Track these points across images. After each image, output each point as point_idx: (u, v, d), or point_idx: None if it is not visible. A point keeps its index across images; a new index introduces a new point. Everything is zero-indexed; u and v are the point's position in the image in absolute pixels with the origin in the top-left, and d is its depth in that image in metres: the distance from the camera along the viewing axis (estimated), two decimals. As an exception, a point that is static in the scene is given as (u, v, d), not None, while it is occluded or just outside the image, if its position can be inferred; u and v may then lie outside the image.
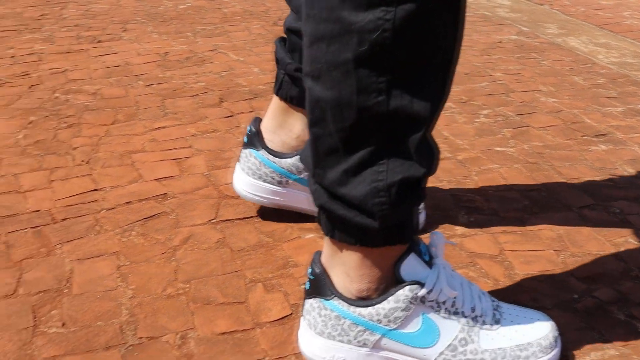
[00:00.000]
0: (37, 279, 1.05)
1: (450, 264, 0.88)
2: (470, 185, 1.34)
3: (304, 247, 1.14)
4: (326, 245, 0.85)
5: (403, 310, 0.82)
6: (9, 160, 1.42)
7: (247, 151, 1.15)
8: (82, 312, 0.98)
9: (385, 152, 0.75)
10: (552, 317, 0.97)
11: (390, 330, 0.83)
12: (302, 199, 1.16)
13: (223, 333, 0.95)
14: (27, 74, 1.90)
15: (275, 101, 1.13)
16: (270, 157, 1.13)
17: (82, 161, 1.42)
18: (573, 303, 1.02)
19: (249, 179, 1.16)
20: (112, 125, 1.59)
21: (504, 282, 1.06)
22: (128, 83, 1.85)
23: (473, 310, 0.85)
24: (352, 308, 0.83)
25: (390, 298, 0.82)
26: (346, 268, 0.83)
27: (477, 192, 1.32)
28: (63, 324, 0.96)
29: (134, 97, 1.76)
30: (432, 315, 0.83)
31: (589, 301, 1.02)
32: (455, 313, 0.84)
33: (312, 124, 0.76)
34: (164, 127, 1.59)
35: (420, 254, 0.83)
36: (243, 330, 0.95)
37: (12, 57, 2.04)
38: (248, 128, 1.15)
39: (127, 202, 1.27)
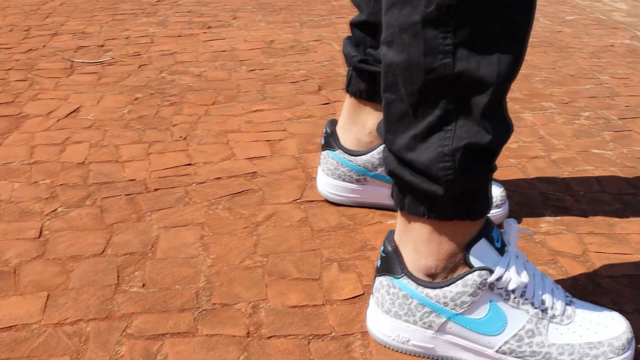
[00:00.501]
0: (125, 241, 1.10)
1: (524, 254, 0.85)
2: (561, 185, 1.30)
3: (383, 232, 1.14)
4: (399, 222, 0.85)
5: (470, 295, 0.81)
6: (113, 132, 1.49)
7: (325, 152, 1.17)
8: (162, 275, 1.02)
9: (453, 117, 0.75)
10: (631, 322, 0.92)
11: (457, 314, 0.82)
12: (381, 195, 1.16)
13: (294, 306, 0.96)
14: (138, 54, 1.99)
15: (347, 99, 1.15)
16: (346, 156, 1.14)
17: (180, 137, 1.48)
18: (661, 310, 0.97)
19: (329, 179, 1.18)
20: (212, 106, 1.64)
21: (584, 283, 1.02)
22: (232, 67, 1.91)
23: (543, 302, 0.82)
24: (420, 288, 0.83)
25: (458, 282, 0.81)
26: (416, 243, 0.82)
27: (567, 192, 1.27)
28: (143, 285, 1.00)
29: (236, 81, 1.81)
30: (501, 304, 0.81)
31: (678, 310, 0.97)
32: (525, 303, 0.82)
33: (385, 89, 0.78)
34: (261, 110, 1.62)
35: (492, 240, 0.81)
36: (313, 305, 0.96)
37: (126, 38, 2.14)
38: (324, 130, 1.17)
39: (217, 178, 1.31)
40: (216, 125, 1.53)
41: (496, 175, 1.31)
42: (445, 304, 0.82)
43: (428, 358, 0.86)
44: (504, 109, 0.77)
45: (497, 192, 1.12)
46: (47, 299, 0.97)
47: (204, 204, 1.21)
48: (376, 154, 1.13)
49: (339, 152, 1.15)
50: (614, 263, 1.07)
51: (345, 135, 1.15)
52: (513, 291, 0.82)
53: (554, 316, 0.82)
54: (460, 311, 0.82)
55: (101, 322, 0.92)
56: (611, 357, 0.81)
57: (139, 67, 1.90)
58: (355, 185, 1.16)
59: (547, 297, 0.82)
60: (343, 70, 1.89)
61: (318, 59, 1.98)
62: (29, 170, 1.33)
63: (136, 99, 1.67)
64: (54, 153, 1.39)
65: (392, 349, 0.87)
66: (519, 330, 0.82)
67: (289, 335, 0.91)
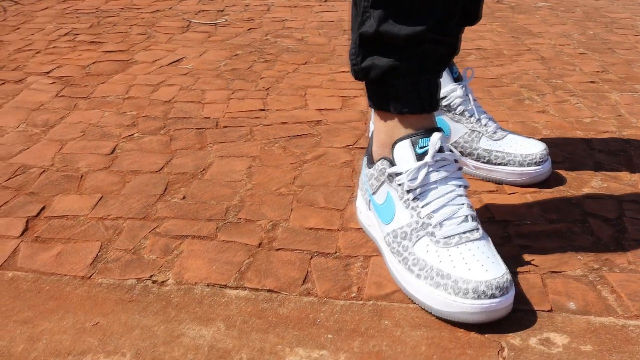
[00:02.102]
0: (181, 164, 1.21)
1: (463, 182, 0.88)
2: (621, 157, 1.25)
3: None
4: None
5: (376, 178, 0.92)
6: (204, 79, 1.61)
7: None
8: (202, 192, 1.11)
9: (366, 14, 0.86)
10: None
11: (371, 193, 0.94)
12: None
13: (310, 228, 1.01)
14: (251, 19, 2.12)
15: None
16: None
17: (263, 87, 1.57)
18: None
19: None
20: (302, 65, 1.72)
21: (606, 243, 0.99)
22: (334, 35, 1.98)
23: (430, 217, 0.85)
24: (365, 169, 0.96)
25: (375, 165, 0.93)
26: (374, 133, 0.94)
27: (625, 165, 1.23)
28: (183, 197, 1.10)
29: (333, 46, 1.88)
30: (395, 198, 0.88)
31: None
32: (414, 208, 0.86)
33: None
34: (346, 72, 1.68)
35: (415, 145, 0.87)
36: (328, 229, 1.01)
37: (246, 5, 2.27)
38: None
39: (283, 122, 1.39)
40: (300, 80, 1.61)
41: (555, 142, 1.29)
42: (370, 183, 0.94)
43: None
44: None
45: (536, 150, 1.11)
46: (99, 200, 1.09)
47: (262, 142, 1.29)
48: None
49: None
50: None
51: None
52: (407, 192, 0.87)
53: (432, 234, 0.85)
54: (372, 191, 0.94)
55: (136, 221, 1.03)
56: (449, 293, 0.80)
57: (248, 29, 2.02)
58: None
59: (438, 216, 0.85)
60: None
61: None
62: (121, 103, 1.47)
63: (235, 55, 1.79)
64: (147, 92, 1.53)
65: (389, 271, 0.91)
66: (399, 228, 0.88)
67: (296, 250, 0.96)
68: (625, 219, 1.04)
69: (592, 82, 1.60)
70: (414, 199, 0.86)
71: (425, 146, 0.86)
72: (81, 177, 1.16)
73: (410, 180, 0.86)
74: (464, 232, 0.84)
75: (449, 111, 1.14)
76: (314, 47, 1.85)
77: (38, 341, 0.79)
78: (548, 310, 0.85)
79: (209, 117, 1.40)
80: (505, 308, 0.80)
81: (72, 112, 1.42)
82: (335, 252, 0.96)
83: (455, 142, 1.14)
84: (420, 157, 0.87)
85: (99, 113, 1.42)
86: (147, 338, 0.79)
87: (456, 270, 0.81)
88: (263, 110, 1.44)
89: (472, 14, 1.09)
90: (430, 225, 0.85)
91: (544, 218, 1.04)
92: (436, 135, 0.87)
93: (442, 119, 1.14)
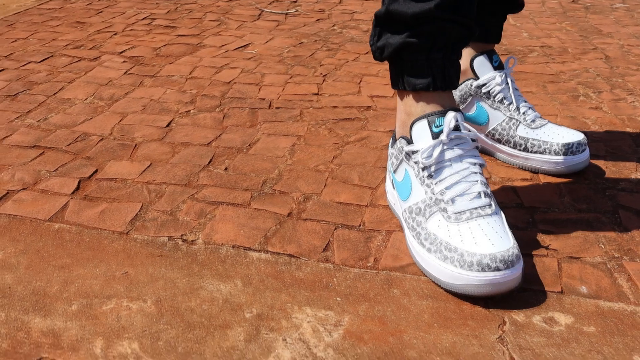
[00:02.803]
0: (230, 139, 1.27)
1: (481, 162, 0.91)
2: None
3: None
4: None
5: (396, 157, 0.96)
6: (266, 64, 1.68)
7: None
8: (244, 164, 1.17)
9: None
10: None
11: (392, 172, 0.98)
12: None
13: (340, 202, 1.05)
14: (322, 11, 2.17)
15: None
16: None
17: (321, 74, 1.62)
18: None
19: None
20: (363, 54, 1.76)
21: (632, 234, 0.99)
22: (400, 28, 2.00)
23: (443, 193, 0.88)
24: (390, 148, 1.01)
25: (396, 144, 0.96)
26: (397, 113, 0.98)
27: None
28: (225, 169, 1.16)
29: (396, 38, 1.90)
30: (412, 176, 0.91)
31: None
32: (429, 185, 0.90)
33: None
34: (405, 62, 1.70)
35: (431, 125, 0.89)
36: (357, 204, 1.05)
37: (316, 2, 2.33)
38: None
39: (334, 106, 1.43)
40: (357, 69, 1.65)
41: (602, 137, 1.28)
42: (392, 161, 0.98)
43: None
44: None
45: (574, 139, 1.11)
46: (148, 166, 1.16)
47: (310, 123, 1.34)
48: (457, 92, 1.18)
49: None
50: None
51: None
52: (423, 169, 0.90)
53: (445, 210, 0.87)
54: (393, 169, 0.97)
55: (178, 187, 1.09)
56: (455, 265, 0.82)
57: (317, 20, 2.07)
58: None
59: (450, 192, 0.87)
60: (506, 40, 1.90)
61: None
62: (184, 82, 1.55)
63: (300, 43, 1.84)
64: (209, 73, 1.61)
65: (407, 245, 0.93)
66: (414, 204, 0.91)
67: (322, 221, 1.00)
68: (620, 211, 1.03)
69: (654, 81, 1.56)
70: (428, 176, 0.89)
71: (442, 125, 0.89)
72: (135, 146, 1.24)
73: (425, 158, 0.89)
74: (475, 208, 0.86)
75: (488, 98, 1.15)
76: (377, 39, 1.88)
77: (71, 284, 0.87)
78: (558, 292, 0.85)
79: (263, 99, 1.46)
80: (511, 282, 0.81)
81: (137, 88, 1.51)
82: (360, 225, 0.99)
83: (493, 129, 1.16)
84: (436, 135, 0.89)
85: (162, 90, 1.50)
86: (169, 288, 0.85)
87: (463, 244, 0.83)
88: (317, 94, 1.49)
89: (514, 2, 1.10)
90: (443, 201, 0.87)
91: (573, 207, 1.04)
92: (450, 114, 0.89)
93: (481, 105, 1.16)
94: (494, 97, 1.15)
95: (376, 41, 0.94)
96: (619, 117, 1.37)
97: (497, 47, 1.81)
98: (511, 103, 1.14)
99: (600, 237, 0.96)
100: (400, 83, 0.94)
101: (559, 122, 1.32)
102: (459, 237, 0.84)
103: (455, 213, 0.86)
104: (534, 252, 0.93)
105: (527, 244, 0.94)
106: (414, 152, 0.91)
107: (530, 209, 1.04)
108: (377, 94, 1.49)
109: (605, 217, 1.02)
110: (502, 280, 0.81)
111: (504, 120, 1.14)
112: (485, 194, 0.88)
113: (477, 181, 0.88)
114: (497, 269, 0.80)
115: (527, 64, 1.68)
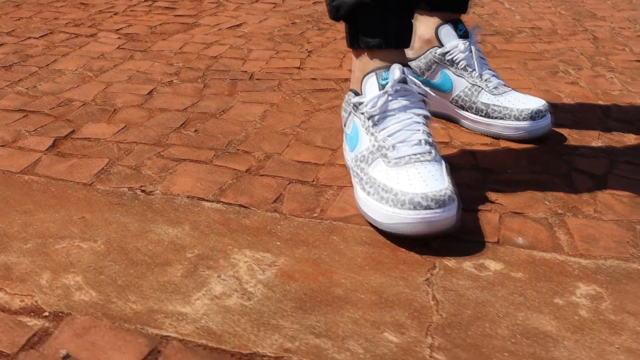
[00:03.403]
0: (206, 105, 1.31)
1: (422, 111, 0.94)
2: (636, 127, 1.24)
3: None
4: None
5: (345, 111, 1.00)
6: (255, 41, 1.72)
7: None
8: (215, 127, 1.21)
9: None
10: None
11: (344, 124, 1.02)
12: (436, 103, 1.22)
13: (299, 161, 1.09)
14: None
15: None
16: None
17: (306, 50, 1.65)
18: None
19: None
20: (353, 34, 1.79)
21: (580, 194, 1.01)
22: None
23: (385, 141, 0.91)
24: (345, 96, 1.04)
25: (345, 97, 1.00)
26: (352, 73, 1.02)
27: (637, 132, 1.22)
28: (195, 131, 1.20)
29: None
30: (359, 126, 0.95)
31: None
32: (373, 133, 0.93)
33: None
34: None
35: (379, 78, 0.93)
36: (315, 163, 1.08)
37: (319, -17, 2.36)
38: None
39: (312, 78, 1.46)
40: (344, 46, 1.68)
41: (572, 108, 1.29)
42: (342, 116, 1.02)
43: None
44: None
45: (534, 105, 1.13)
46: (122, 128, 1.21)
47: (287, 93, 1.38)
48: (423, 59, 1.20)
49: None
50: (634, 185, 1.03)
51: None
52: (369, 119, 0.93)
53: (386, 155, 0.90)
54: (343, 122, 1.01)
55: (147, 146, 1.14)
56: (390, 205, 0.85)
57: (314, 2, 2.11)
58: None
59: (392, 139, 0.90)
60: (497, 22, 1.91)
61: (479, 12, 2.02)
62: (172, 56, 1.60)
63: (292, 23, 1.88)
64: (198, 48, 1.65)
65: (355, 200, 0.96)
66: (359, 153, 0.94)
67: (278, 177, 1.04)
68: (610, 176, 1.05)
69: (637, 60, 1.57)
70: (373, 125, 0.92)
71: (386, 78, 0.92)
72: (114, 110, 1.28)
73: (370, 107, 0.92)
74: (415, 154, 0.89)
75: (452, 66, 1.18)
76: (370, 20, 1.91)
77: (30, 226, 0.91)
78: (494, 242, 0.88)
79: (246, 71, 1.50)
80: (443, 222, 0.84)
81: (126, 61, 1.56)
82: (313, 181, 1.02)
83: (457, 95, 1.18)
84: (383, 88, 0.93)
85: (150, 63, 1.55)
86: (120, 231, 0.90)
87: (399, 185, 0.86)
88: (298, 68, 1.52)
89: None
90: (385, 147, 0.90)
91: (528, 169, 1.06)
92: (395, 66, 0.92)
93: (445, 73, 1.19)
94: (458, 64, 1.17)
95: (331, 0, 0.97)
96: (594, 91, 1.38)
97: (486, 29, 1.82)
98: (474, 70, 1.17)
99: (548, 196, 0.98)
100: (355, 42, 0.97)
101: (532, 95, 1.34)
102: (396, 179, 0.87)
103: (396, 159, 0.89)
104: (479, 207, 0.95)
105: (473, 200, 0.97)
106: (360, 104, 0.94)
107: (484, 170, 1.06)
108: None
109: (557, 179, 1.04)
110: (434, 219, 0.83)
111: (466, 87, 1.17)
112: (427, 142, 0.91)
113: (419, 130, 0.91)
114: (429, 207, 0.83)
115: (513, 43, 1.70)
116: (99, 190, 1.00)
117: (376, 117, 0.92)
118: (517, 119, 1.12)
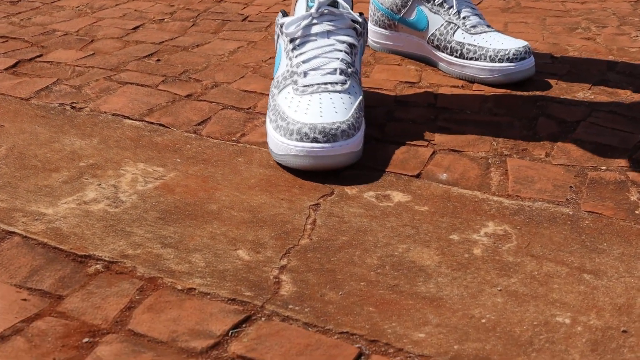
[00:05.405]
0: (183, 40, 1.27)
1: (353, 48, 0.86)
2: (638, 82, 1.10)
3: (393, 71, 1.11)
4: None
5: (275, 33, 0.93)
6: (268, -10, 1.66)
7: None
8: (179, 58, 1.16)
9: None
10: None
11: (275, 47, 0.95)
12: (413, 44, 1.13)
13: (245, 90, 1.03)
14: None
15: None
16: None
17: (317, 0, 1.57)
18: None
19: (370, 25, 1.18)
20: None
21: (538, 137, 0.89)
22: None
23: (298, 66, 0.84)
24: None
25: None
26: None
27: (635, 86, 1.08)
28: (157, 60, 1.16)
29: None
30: (282, 47, 0.88)
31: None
32: (290, 58, 0.86)
33: None
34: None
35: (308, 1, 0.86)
36: (261, 93, 1.02)
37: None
38: None
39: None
40: (358, -2, 1.60)
41: (573, 60, 1.17)
42: (275, 33, 0.94)
43: None
44: None
45: (513, 45, 1.02)
46: (89, 55, 1.18)
47: (271, 33, 1.31)
48: (400, -6, 1.11)
49: None
50: (604, 133, 0.91)
51: None
52: (290, 42, 0.86)
53: (296, 82, 0.82)
54: (275, 46, 0.94)
55: (102, 70, 1.10)
56: (281, 134, 0.78)
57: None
58: (388, 32, 1.15)
59: (306, 66, 0.83)
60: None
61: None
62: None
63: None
64: (207, -7, 1.61)
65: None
66: (276, 77, 0.87)
67: (214, 102, 0.98)
68: (583, 123, 0.93)
69: (675, 22, 1.40)
70: (292, 49, 0.85)
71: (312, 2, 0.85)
72: (91, 41, 1.26)
73: (293, 29, 0.85)
74: (325, 83, 0.81)
75: (428, 2, 1.08)
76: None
77: (-56, 129, 0.89)
78: (413, 175, 0.79)
79: (242, 14, 1.44)
80: (332, 157, 0.75)
81: (130, 1, 1.54)
82: (249, 109, 0.96)
83: (432, 34, 1.08)
84: (309, 9, 0.85)
85: (151, 3, 1.52)
86: (28, 139, 0.86)
87: (295, 114, 0.78)
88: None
89: None
90: (296, 73, 0.83)
91: (490, 111, 0.96)
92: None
93: (421, 10, 1.09)
94: (434, 0, 1.07)
95: None
96: (609, 47, 1.24)
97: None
98: (451, 7, 1.06)
99: (499, 137, 0.88)
100: None
101: (537, 48, 1.22)
102: (295, 107, 0.79)
103: (304, 86, 0.81)
104: (413, 142, 0.86)
105: (411, 135, 0.88)
106: (283, 25, 0.87)
107: (440, 109, 0.96)
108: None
109: (519, 122, 0.93)
110: (320, 153, 0.74)
111: (442, 25, 1.07)
112: (342, 72, 0.82)
113: (337, 58, 0.83)
114: (315, 140, 0.74)
115: (542, 1, 1.56)
116: (32, 104, 0.97)
117: (297, 41, 0.85)
118: (493, 60, 1.01)
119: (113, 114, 0.93)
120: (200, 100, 0.98)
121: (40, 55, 1.17)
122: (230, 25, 1.35)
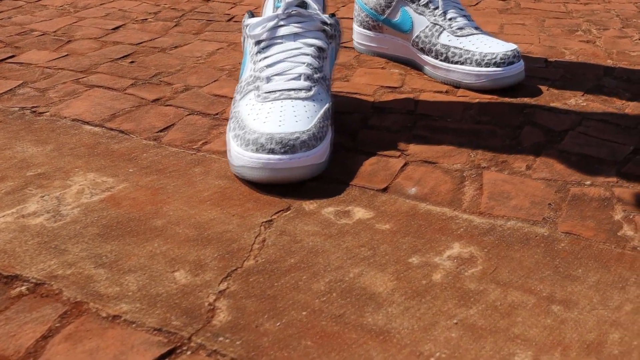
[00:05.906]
0: (162, 41, 1.22)
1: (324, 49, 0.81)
2: (636, 88, 1.04)
3: (373, 75, 1.06)
4: None
5: (243, 34, 0.87)
6: (260, -11, 1.61)
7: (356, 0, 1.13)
8: (154, 60, 1.11)
9: None
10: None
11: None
12: (398, 46, 1.07)
13: (216, 95, 0.98)
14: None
15: None
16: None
17: None
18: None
19: (355, 26, 1.13)
20: None
21: (521, 149, 0.83)
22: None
23: (262, 71, 0.79)
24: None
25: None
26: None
27: (632, 93, 1.01)
28: (131, 62, 1.11)
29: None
30: (248, 50, 0.82)
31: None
32: (255, 62, 0.80)
33: None
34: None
35: (275, 2, 0.81)
36: (231, 97, 0.97)
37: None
38: None
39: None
40: (352, -3, 1.54)
41: (568, 65, 1.10)
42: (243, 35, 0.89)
43: None
44: None
45: (500, 49, 0.96)
46: (63, 56, 1.13)
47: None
48: (384, -5, 1.05)
49: None
50: (592, 144, 0.85)
51: None
52: (255, 45, 0.81)
53: (258, 88, 0.77)
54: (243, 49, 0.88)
55: (71, 72, 1.06)
56: (238, 144, 0.72)
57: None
58: (372, 33, 1.10)
59: (270, 70, 0.78)
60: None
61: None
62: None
63: None
64: (197, -8, 1.56)
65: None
66: (241, 82, 0.82)
67: (181, 107, 0.93)
68: (571, 132, 0.87)
69: (682, 24, 1.33)
70: (257, 52, 0.79)
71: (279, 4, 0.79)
72: (68, 41, 1.21)
73: (258, 31, 0.79)
74: (288, 90, 0.76)
75: (413, 2, 1.02)
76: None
77: None
78: (380, 189, 0.73)
79: (228, 14, 1.39)
80: (290, 170, 0.70)
81: (116, 1, 1.50)
82: (217, 114, 0.91)
83: (417, 36, 1.02)
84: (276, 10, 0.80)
85: (137, 3, 1.47)
86: (-22, 146, 0.81)
87: (254, 122, 0.73)
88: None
89: None
90: (259, 79, 0.77)
91: (473, 119, 0.90)
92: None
93: (405, 10, 1.03)
94: (419, 0, 1.01)
95: None
96: (608, 51, 1.18)
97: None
98: (437, 8, 1.00)
99: (478, 148, 0.82)
100: None
101: (532, 51, 1.15)
102: (255, 115, 0.73)
103: (266, 92, 0.76)
104: (384, 152, 0.81)
105: (384, 145, 0.82)
106: (247, 26, 0.82)
107: (419, 116, 0.90)
108: (344, 16, 1.37)
109: (502, 130, 0.87)
110: (277, 165, 0.69)
111: (427, 27, 1.01)
112: (308, 77, 0.77)
113: (303, 63, 0.77)
114: (272, 152, 0.69)
115: (542, 2, 1.50)
116: (-8, 108, 0.92)
117: (262, 44, 0.80)
118: (479, 64, 0.95)
119: (73, 120, 0.88)
120: (167, 105, 0.93)
121: (13, 57, 1.12)
122: (214, 26, 1.30)
